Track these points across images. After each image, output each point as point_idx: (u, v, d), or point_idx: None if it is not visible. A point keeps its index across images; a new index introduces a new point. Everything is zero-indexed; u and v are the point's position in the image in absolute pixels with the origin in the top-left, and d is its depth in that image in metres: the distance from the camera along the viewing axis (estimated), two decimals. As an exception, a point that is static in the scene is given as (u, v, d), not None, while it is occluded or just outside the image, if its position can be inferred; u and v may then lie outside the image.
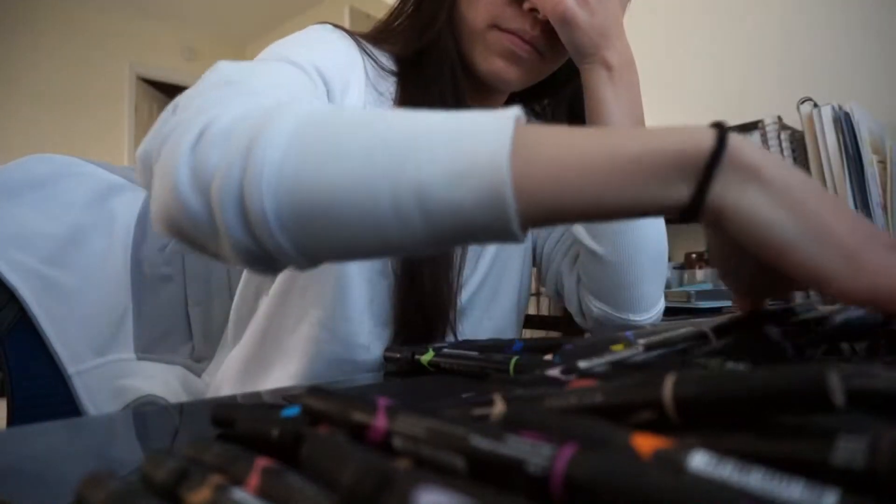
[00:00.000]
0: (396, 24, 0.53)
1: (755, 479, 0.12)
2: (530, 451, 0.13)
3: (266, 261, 0.27)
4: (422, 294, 0.48)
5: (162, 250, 0.58)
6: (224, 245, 0.26)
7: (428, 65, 0.50)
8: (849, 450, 0.13)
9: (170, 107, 0.32)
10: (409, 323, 0.48)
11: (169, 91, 4.45)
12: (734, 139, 0.23)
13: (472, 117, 0.25)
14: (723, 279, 0.29)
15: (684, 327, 0.26)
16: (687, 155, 0.22)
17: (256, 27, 4.40)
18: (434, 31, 0.49)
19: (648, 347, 0.24)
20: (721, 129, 0.23)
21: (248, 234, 0.25)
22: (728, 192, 0.22)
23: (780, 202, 0.22)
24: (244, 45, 4.67)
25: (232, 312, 0.56)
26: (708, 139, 0.23)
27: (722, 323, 0.26)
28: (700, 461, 0.12)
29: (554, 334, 0.89)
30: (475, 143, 0.23)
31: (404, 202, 0.23)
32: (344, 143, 0.24)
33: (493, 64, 0.49)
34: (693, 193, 0.23)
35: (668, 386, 0.16)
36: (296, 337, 0.48)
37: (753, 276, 0.27)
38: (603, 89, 0.47)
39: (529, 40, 0.47)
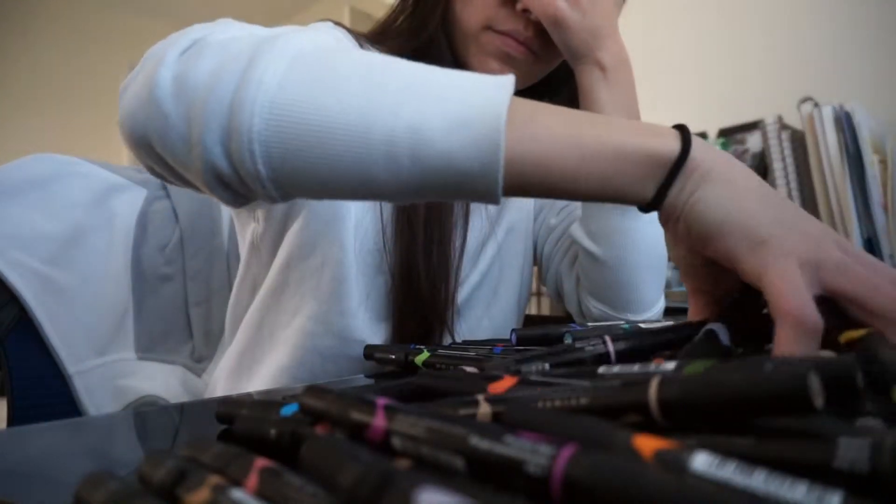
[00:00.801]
0: (394, 25, 0.53)
1: (758, 481, 0.12)
2: (530, 451, 0.13)
3: (233, 187, 0.26)
4: (418, 291, 0.48)
5: (162, 250, 0.58)
6: (194, 161, 0.25)
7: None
8: (851, 452, 0.13)
9: (157, 45, 0.30)
10: (405, 319, 0.49)
11: (169, 91, 4.46)
12: (696, 144, 0.25)
13: (472, 76, 0.25)
14: (682, 278, 0.30)
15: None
16: (658, 156, 0.24)
17: (256, 27, 4.41)
18: (428, 32, 0.49)
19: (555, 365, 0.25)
20: (685, 135, 0.25)
21: (224, 153, 0.24)
22: (682, 192, 0.25)
23: (720, 197, 0.24)
24: (244, 45, 4.68)
25: (228, 309, 0.56)
26: (675, 145, 0.25)
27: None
28: (702, 462, 0.12)
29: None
30: (475, 97, 0.24)
31: (398, 141, 0.23)
32: (345, 76, 0.24)
33: (488, 65, 0.49)
34: (656, 191, 0.25)
35: (654, 388, 0.16)
36: (290, 330, 0.48)
37: (705, 271, 0.28)
38: (597, 90, 0.47)
39: (523, 41, 0.47)
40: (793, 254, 0.22)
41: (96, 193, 0.55)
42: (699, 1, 1.48)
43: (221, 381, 0.52)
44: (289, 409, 0.21)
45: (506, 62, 0.48)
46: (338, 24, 0.51)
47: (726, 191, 0.24)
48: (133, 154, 0.28)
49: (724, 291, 0.29)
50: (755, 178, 0.25)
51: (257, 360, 0.50)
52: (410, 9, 0.52)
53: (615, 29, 0.48)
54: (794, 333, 0.21)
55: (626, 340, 0.26)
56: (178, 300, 0.59)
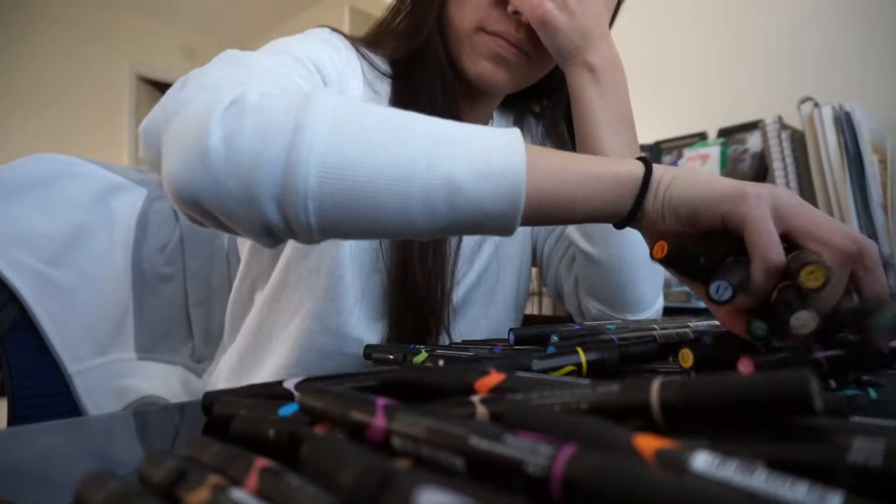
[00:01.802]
0: (390, 28, 0.54)
1: (758, 480, 0.12)
2: (530, 451, 0.13)
3: (280, 237, 0.29)
4: (414, 289, 0.48)
5: (162, 250, 0.58)
6: (247, 218, 0.27)
7: (419, 69, 0.50)
8: (865, 450, 0.13)
9: (178, 83, 0.32)
10: (401, 318, 0.49)
11: (169, 91, 4.46)
12: (656, 166, 0.32)
13: (484, 130, 0.30)
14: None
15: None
16: (629, 177, 0.31)
17: (256, 27, 4.40)
18: (424, 34, 0.50)
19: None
20: (647, 161, 0.32)
21: (278, 210, 0.27)
22: (656, 200, 0.31)
23: (691, 185, 0.30)
24: (244, 45, 4.64)
25: (228, 309, 0.56)
26: (640, 168, 0.32)
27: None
28: (702, 462, 0.12)
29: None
30: (497, 150, 0.28)
31: (435, 191, 0.27)
32: (380, 133, 0.27)
33: (480, 66, 0.49)
34: (633, 204, 0.31)
35: (655, 390, 0.16)
36: (289, 330, 0.49)
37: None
38: (587, 92, 0.47)
39: (514, 42, 0.48)
40: (764, 200, 0.28)
41: (97, 193, 0.55)
42: (699, 1, 1.48)
43: (222, 381, 0.52)
44: (288, 410, 0.21)
45: (498, 63, 0.49)
46: (334, 29, 0.52)
47: (692, 179, 0.31)
48: (178, 209, 0.30)
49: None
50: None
51: (258, 361, 0.50)
52: (407, 9, 0.53)
53: (606, 31, 0.48)
54: (766, 273, 0.27)
55: (597, 351, 0.28)
56: (179, 300, 0.59)
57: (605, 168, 0.31)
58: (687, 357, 0.28)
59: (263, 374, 0.49)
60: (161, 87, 4.35)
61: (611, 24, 0.55)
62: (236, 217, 0.28)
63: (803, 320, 0.25)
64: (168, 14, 4.13)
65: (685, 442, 0.13)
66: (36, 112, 3.62)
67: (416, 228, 0.28)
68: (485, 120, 0.59)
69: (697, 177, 0.31)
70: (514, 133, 0.30)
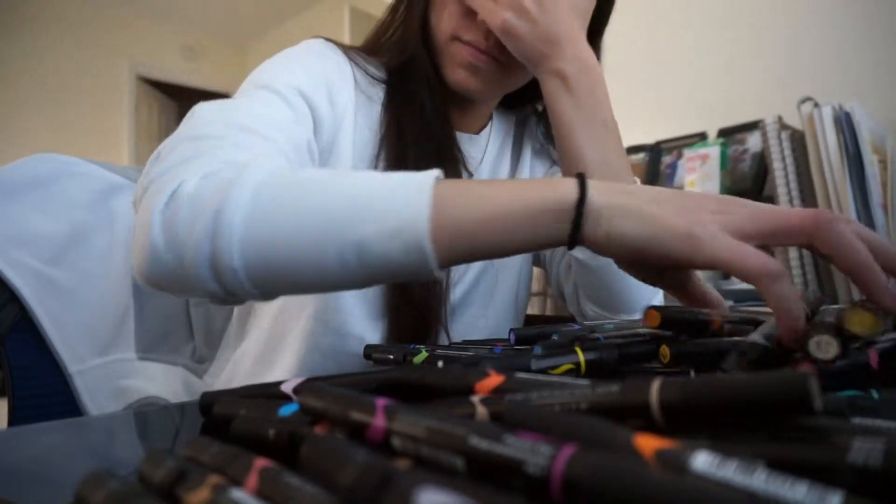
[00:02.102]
0: (383, 39, 0.55)
1: (758, 480, 0.12)
2: (530, 451, 0.13)
3: (232, 301, 0.33)
4: (411, 288, 0.48)
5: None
6: (196, 292, 0.32)
7: (408, 77, 0.52)
8: (865, 449, 0.13)
9: (154, 154, 0.37)
10: (400, 317, 0.49)
11: (169, 91, 4.45)
12: (592, 186, 0.29)
13: (400, 180, 0.30)
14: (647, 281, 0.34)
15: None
16: (561, 202, 0.29)
17: (256, 27, 4.40)
18: (410, 50, 0.51)
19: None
20: (582, 180, 0.29)
21: (219, 285, 0.31)
22: (598, 227, 0.29)
23: (631, 219, 0.28)
24: (244, 45, 4.67)
25: (235, 310, 0.57)
26: (573, 191, 0.29)
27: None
28: (702, 462, 0.12)
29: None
30: (401, 205, 0.29)
31: (347, 255, 0.29)
32: (295, 209, 0.30)
33: (456, 74, 0.50)
34: (571, 231, 0.29)
35: (655, 390, 0.16)
36: (296, 331, 0.49)
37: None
38: (560, 100, 0.47)
39: (485, 51, 0.48)
40: (715, 228, 0.27)
41: (97, 193, 0.55)
42: (699, 1, 1.48)
43: (236, 383, 0.53)
44: (288, 410, 0.21)
45: (472, 71, 0.50)
46: (329, 40, 0.53)
47: (639, 213, 0.28)
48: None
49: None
50: (647, 188, 0.30)
51: (271, 364, 0.51)
52: (398, 22, 0.54)
53: (574, 35, 0.47)
54: (773, 283, 0.25)
55: (594, 351, 0.28)
56: (179, 301, 0.59)
57: (528, 199, 0.29)
58: (665, 353, 0.28)
59: (275, 376, 0.50)
60: (161, 87, 4.35)
61: (600, 24, 0.55)
62: (193, 293, 0.33)
63: (825, 346, 0.23)
64: (168, 14, 4.14)
65: (685, 442, 0.13)
66: (36, 112, 3.62)
67: (342, 285, 0.31)
68: (482, 121, 0.59)
69: (643, 209, 0.28)
70: (426, 183, 0.29)
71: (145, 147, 4.17)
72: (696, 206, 0.28)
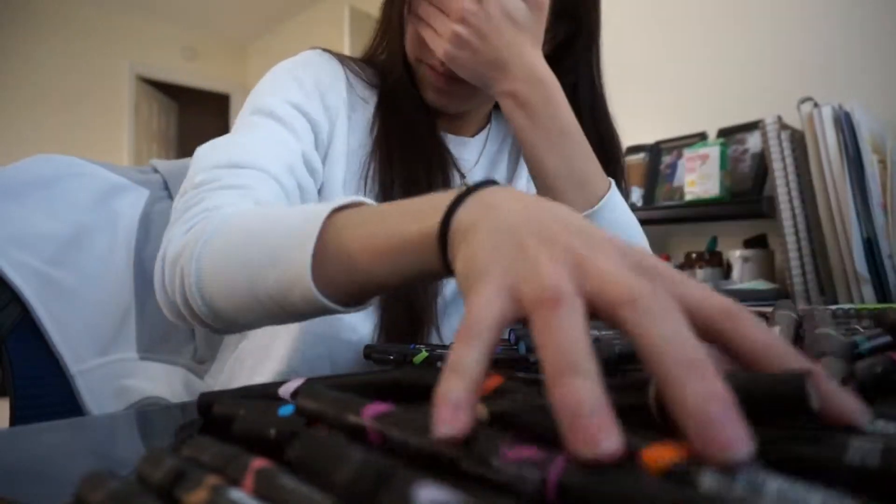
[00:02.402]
0: (374, 56, 0.58)
1: (770, 492, 0.11)
2: (516, 475, 0.13)
3: (227, 332, 0.41)
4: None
5: (163, 251, 0.58)
6: (194, 325, 0.39)
7: (395, 95, 0.54)
8: (863, 449, 0.13)
9: (175, 201, 0.43)
10: (391, 311, 0.50)
11: (169, 91, 4.45)
12: (464, 207, 0.24)
13: (298, 224, 0.32)
14: None
15: None
16: (427, 233, 0.25)
17: (256, 27, 4.40)
18: (395, 74, 0.53)
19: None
20: (455, 202, 0.24)
21: (207, 326, 0.38)
22: (454, 260, 0.24)
23: (465, 254, 0.22)
24: (244, 45, 4.67)
25: None
26: (437, 216, 0.25)
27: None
28: (710, 481, 0.12)
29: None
30: (293, 256, 0.31)
31: (267, 303, 0.33)
32: (226, 264, 0.34)
33: (428, 95, 0.53)
34: (441, 260, 0.25)
35: (653, 391, 0.16)
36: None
37: None
38: (515, 116, 0.48)
39: (445, 73, 0.50)
40: (490, 280, 0.19)
41: (99, 194, 0.56)
42: (700, 1, 1.48)
43: (236, 381, 0.53)
44: (286, 410, 0.21)
45: (436, 91, 0.52)
46: (326, 50, 0.56)
47: (470, 246, 0.22)
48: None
49: None
50: (522, 210, 0.22)
51: (266, 353, 0.52)
52: (384, 43, 0.57)
53: (521, 53, 0.47)
54: (456, 352, 0.17)
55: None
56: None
57: (397, 233, 0.27)
58: None
59: (270, 363, 0.51)
60: (161, 87, 4.35)
61: (590, 40, 0.56)
62: (191, 324, 0.39)
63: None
64: (168, 14, 4.14)
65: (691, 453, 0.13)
66: (36, 112, 3.62)
67: (275, 320, 0.35)
68: (476, 125, 0.61)
69: (476, 242, 0.22)
70: (311, 229, 0.30)
71: (145, 147, 4.17)
72: (520, 242, 0.20)
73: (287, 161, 0.46)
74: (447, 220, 0.24)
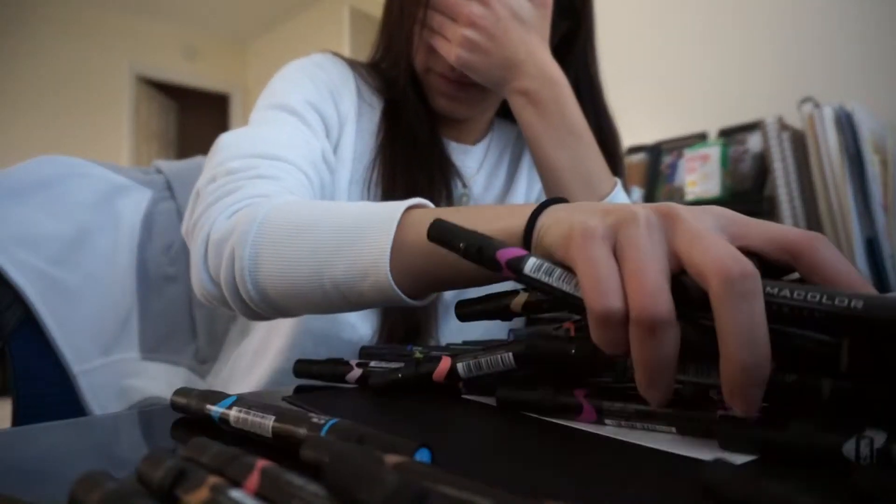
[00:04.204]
0: (378, 65, 0.58)
1: None
2: None
3: (266, 318, 0.39)
4: None
5: (167, 251, 0.58)
6: (237, 312, 0.39)
7: (400, 103, 0.54)
8: (868, 440, 0.14)
9: (193, 193, 0.43)
10: (391, 309, 0.50)
11: (169, 91, 4.46)
12: (548, 211, 0.27)
13: (373, 217, 0.33)
14: None
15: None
16: (508, 233, 0.28)
17: (256, 27, 4.40)
18: (400, 85, 0.54)
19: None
20: (540, 207, 0.27)
21: (248, 310, 0.38)
22: (536, 250, 0.26)
23: (555, 228, 0.25)
24: (244, 45, 4.67)
25: None
26: (521, 222, 0.27)
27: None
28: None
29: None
30: (369, 246, 0.32)
31: (330, 292, 0.34)
32: (287, 249, 0.35)
33: (438, 103, 0.54)
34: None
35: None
36: (290, 318, 0.50)
37: None
38: (525, 113, 0.48)
39: (455, 79, 0.51)
40: (593, 238, 0.22)
41: (101, 194, 0.56)
42: (700, 1, 1.48)
43: (236, 377, 0.54)
44: (226, 403, 0.22)
45: (449, 98, 0.53)
46: (335, 54, 0.56)
47: (558, 224, 0.25)
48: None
49: None
50: (594, 204, 0.26)
51: (266, 349, 0.53)
52: (390, 54, 0.56)
53: (532, 51, 0.48)
54: (600, 324, 0.20)
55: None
56: (183, 301, 0.59)
57: (489, 226, 0.28)
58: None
59: (268, 360, 0.51)
60: (161, 87, 4.35)
61: (588, 21, 0.56)
62: (233, 311, 0.39)
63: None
64: (168, 14, 4.14)
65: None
66: (36, 112, 3.63)
67: (333, 310, 0.36)
68: (478, 133, 0.61)
69: (561, 217, 0.25)
70: (390, 222, 0.31)
71: (145, 147, 4.17)
72: (604, 206, 0.24)
73: (311, 157, 0.47)
74: (533, 221, 0.27)
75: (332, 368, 0.33)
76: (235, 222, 0.37)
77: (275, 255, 0.35)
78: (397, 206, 0.33)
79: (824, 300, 0.18)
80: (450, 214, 0.30)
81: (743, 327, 0.18)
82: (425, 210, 0.33)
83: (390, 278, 0.31)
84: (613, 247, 0.21)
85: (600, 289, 0.20)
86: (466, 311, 0.29)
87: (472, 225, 0.28)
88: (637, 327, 0.19)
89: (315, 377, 0.34)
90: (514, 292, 0.28)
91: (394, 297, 0.32)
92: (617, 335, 0.20)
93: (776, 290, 0.19)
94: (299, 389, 0.33)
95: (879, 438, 0.16)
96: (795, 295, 0.18)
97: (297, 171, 0.44)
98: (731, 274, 0.18)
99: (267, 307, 0.36)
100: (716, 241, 0.20)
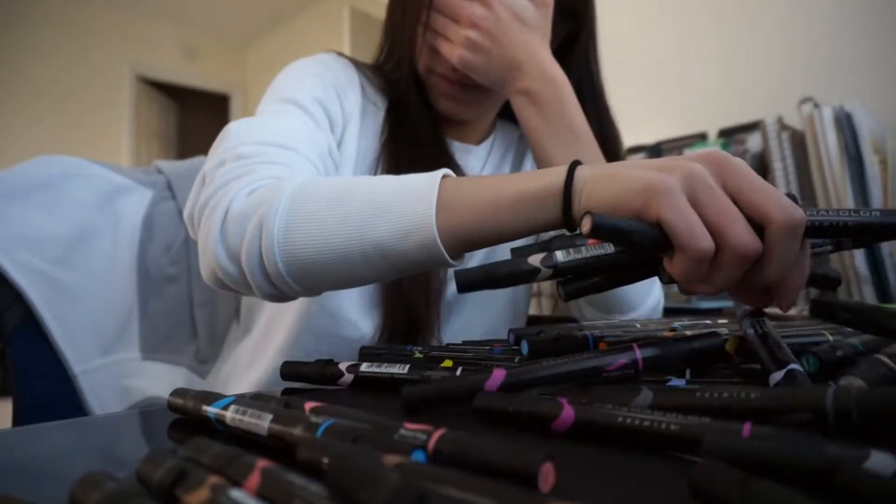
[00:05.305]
0: (382, 67, 0.58)
1: None
2: None
3: (284, 298, 0.39)
4: (406, 284, 0.50)
5: (168, 251, 0.59)
6: (255, 293, 0.38)
7: (404, 104, 0.55)
8: (882, 461, 0.14)
9: (199, 177, 0.42)
10: (393, 310, 0.50)
11: (169, 91, 4.46)
12: (581, 170, 0.31)
13: (410, 182, 0.34)
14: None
15: None
16: (549, 186, 0.31)
17: (256, 27, 4.40)
18: (402, 87, 0.54)
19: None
20: (572, 166, 0.31)
21: (271, 286, 0.37)
22: (579, 202, 0.30)
23: (603, 184, 0.29)
24: (244, 45, 4.67)
25: (243, 302, 0.58)
26: (560, 175, 0.31)
27: None
28: None
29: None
30: (412, 206, 0.33)
31: (370, 255, 0.34)
32: (322, 218, 0.34)
33: (441, 104, 0.54)
34: (563, 210, 0.30)
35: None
36: (290, 312, 0.51)
37: None
38: (527, 114, 0.49)
39: (457, 80, 0.51)
40: (673, 189, 0.26)
41: (102, 195, 0.56)
42: (700, 1, 1.48)
43: (235, 375, 0.54)
44: (222, 403, 0.22)
45: (451, 99, 0.53)
46: (340, 54, 0.57)
47: (609, 177, 0.29)
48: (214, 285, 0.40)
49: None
50: (641, 161, 0.30)
51: (266, 346, 0.53)
52: (392, 57, 0.57)
53: (533, 52, 0.48)
54: (696, 264, 0.25)
55: (652, 347, 0.26)
56: (183, 300, 0.59)
57: (523, 188, 0.31)
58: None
59: (268, 357, 0.51)
60: (161, 87, 4.35)
61: (589, 22, 0.56)
62: (251, 293, 0.38)
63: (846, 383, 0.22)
64: (168, 14, 4.14)
65: None
66: (35, 112, 3.62)
67: (365, 278, 0.36)
68: (481, 134, 0.61)
69: (615, 172, 0.29)
70: (432, 183, 0.33)
71: (145, 147, 4.17)
72: (677, 159, 0.28)
73: (318, 151, 0.47)
74: (570, 176, 0.30)
75: (320, 370, 0.32)
76: (260, 196, 0.36)
77: (309, 223, 0.34)
78: (432, 173, 0.34)
79: (851, 214, 0.26)
80: (483, 179, 0.33)
81: (795, 256, 0.26)
82: (457, 179, 0.34)
83: (437, 235, 0.32)
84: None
85: (693, 234, 0.25)
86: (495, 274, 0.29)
87: (503, 188, 0.32)
88: (733, 258, 0.25)
89: (303, 379, 0.33)
90: (530, 248, 0.29)
91: (436, 255, 0.32)
92: (704, 270, 0.26)
93: (816, 212, 0.27)
94: (287, 392, 0.32)
95: None
96: (830, 213, 0.27)
97: (306, 161, 0.44)
98: (794, 219, 0.25)
99: (292, 280, 0.36)
100: (771, 188, 0.26)
